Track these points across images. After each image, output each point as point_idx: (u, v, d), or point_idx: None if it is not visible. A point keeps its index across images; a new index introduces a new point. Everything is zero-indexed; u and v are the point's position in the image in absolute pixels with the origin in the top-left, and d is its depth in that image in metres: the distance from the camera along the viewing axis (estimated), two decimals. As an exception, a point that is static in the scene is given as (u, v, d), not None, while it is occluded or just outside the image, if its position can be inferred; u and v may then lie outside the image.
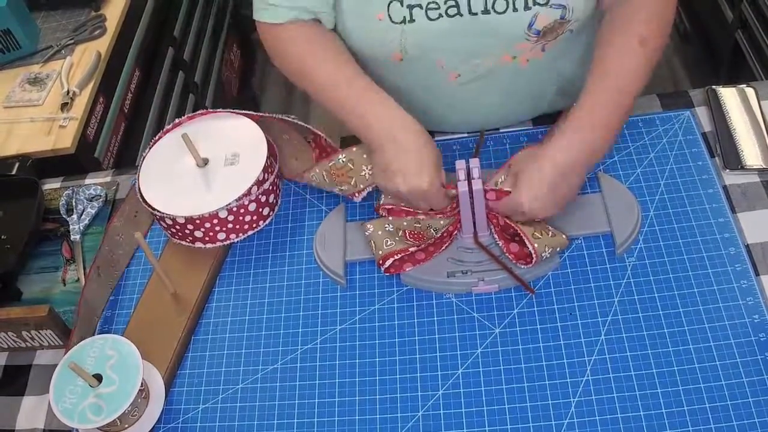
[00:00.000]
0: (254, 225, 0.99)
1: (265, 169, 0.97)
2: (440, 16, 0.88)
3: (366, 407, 0.83)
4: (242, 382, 0.88)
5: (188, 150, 0.98)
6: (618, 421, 0.77)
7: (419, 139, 0.88)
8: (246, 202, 0.96)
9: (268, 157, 0.98)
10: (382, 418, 0.82)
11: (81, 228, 1.07)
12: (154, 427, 0.86)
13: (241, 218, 0.97)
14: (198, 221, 0.95)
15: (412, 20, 0.88)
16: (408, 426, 0.81)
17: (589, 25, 0.94)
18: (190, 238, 0.98)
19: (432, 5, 0.87)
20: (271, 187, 0.99)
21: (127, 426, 0.85)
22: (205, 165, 0.99)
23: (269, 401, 0.86)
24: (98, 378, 0.83)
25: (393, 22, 0.88)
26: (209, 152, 1.00)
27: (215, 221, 0.95)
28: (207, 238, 0.98)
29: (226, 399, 0.87)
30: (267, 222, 1.01)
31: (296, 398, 0.85)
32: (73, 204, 1.10)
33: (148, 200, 0.97)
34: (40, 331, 0.92)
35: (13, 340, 0.94)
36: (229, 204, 0.94)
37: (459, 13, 0.87)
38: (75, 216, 1.08)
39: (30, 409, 0.91)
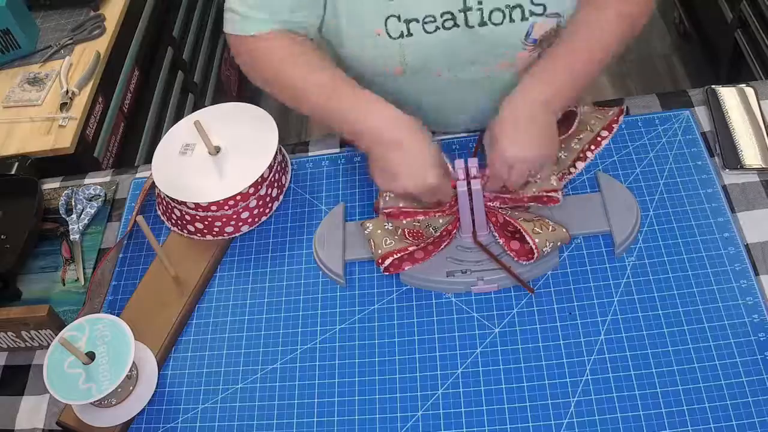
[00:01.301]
0: (267, 210, 1.01)
1: (275, 156, 0.99)
2: (437, 28, 0.88)
3: (365, 407, 0.83)
4: (242, 382, 0.88)
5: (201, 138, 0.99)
6: (617, 420, 0.77)
7: (415, 135, 0.86)
8: (252, 201, 0.97)
9: (278, 144, 1.01)
10: (381, 417, 0.82)
11: (80, 228, 1.07)
12: (153, 418, 0.86)
13: (259, 204, 0.99)
14: (209, 217, 0.96)
15: (409, 34, 0.88)
16: (408, 425, 0.81)
17: None
18: (198, 231, 0.98)
19: (428, 19, 0.87)
20: (276, 180, 1.01)
21: (118, 402, 0.86)
22: (217, 153, 1.00)
23: (269, 401, 0.86)
24: (91, 356, 0.84)
25: (391, 37, 0.88)
26: (222, 140, 1.01)
27: (224, 218, 0.96)
28: (215, 232, 0.98)
29: (225, 399, 0.87)
30: (277, 206, 1.02)
31: (296, 398, 0.85)
32: (73, 204, 1.10)
33: (164, 191, 0.98)
34: (40, 331, 0.92)
35: (12, 339, 0.94)
36: (244, 190, 0.96)
37: (456, 25, 0.87)
38: (74, 216, 1.08)
39: (29, 409, 0.91)
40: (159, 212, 1.05)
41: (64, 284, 1.03)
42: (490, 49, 0.90)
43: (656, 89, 0.98)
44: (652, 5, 0.90)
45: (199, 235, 0.99)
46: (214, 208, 0.96)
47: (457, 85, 0.97)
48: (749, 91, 1.01)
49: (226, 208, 0.96)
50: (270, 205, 1.01)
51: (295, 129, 2.55)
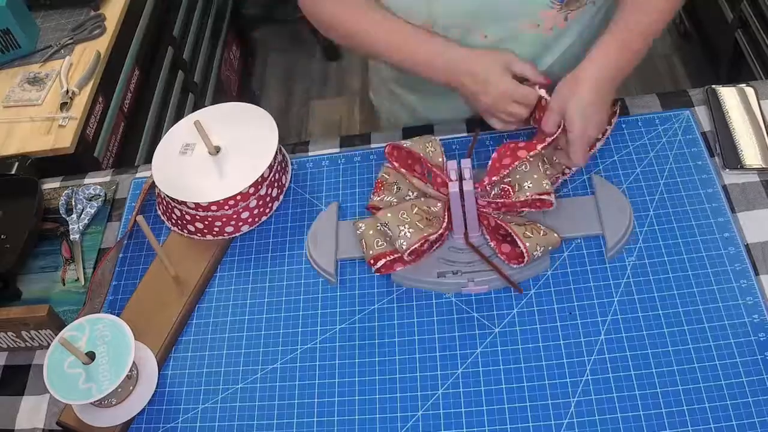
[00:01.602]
0: (267, 210, 1.01)
1: (275, 156, 0.99)
2: None
3: (365, 407, 0.83)
4: (242, 382, 0.88)
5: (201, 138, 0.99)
6: (618, 420, 0.77)
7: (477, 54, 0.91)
8: (261, 189, 0.98)
9: (278, 144, 1.01)
10: (381, 417, 0.82)
11: (80, 228, 1.07)
12: (153, 418, 0.86)
13: (260, 203, 0.99)
14: (209, 217, 0.96)
15: None
16: (408, 426, 0.81)
17: (609, 2, 0.97)
18: (198, 231, 0.98)
19: None
20: (276, 180, 1.01)
21: (118, 402, 0.86)
22: (217, 153, 1.00)
23: (269, 401, 0.86)
24: (91, 356, 0.84)
25: None
26: (222, 140, 1.01)
27: (224, 218, 0.97)
28: (215, 231, 0.99)
29: (225, 399, 0.87)
30: (277, 205, 1.02)
31: (296, 398, 0.85)
32: (73, 204, 1.10)
33: (164, 191, 0.98)
34: (40, 331, 0.92)
35: (12, 339, 0.94)
36: (244, 190, 0.96)
37: None
38: (74, 216, 1.08)
39: (29, 409, 0.91)
40: (159, 212, 1.05)
41: (64, 284, 1.03)
42: (517, 5, 0.92)
43: (656, 89, 0.98)
44: None
45: (199, 235, 0.99)
46: (214, 207, 0.96)
47: (486, 46, 0.97)
48: (749, 91, 1.01)
49: (226, 207, 0.96)
50: (270, 204, 1.01)
51: (295, 129, 2.56)
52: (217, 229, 0.98)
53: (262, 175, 0.97)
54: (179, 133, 1.04)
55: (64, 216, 1.10)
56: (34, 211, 1.08)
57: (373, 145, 1.08)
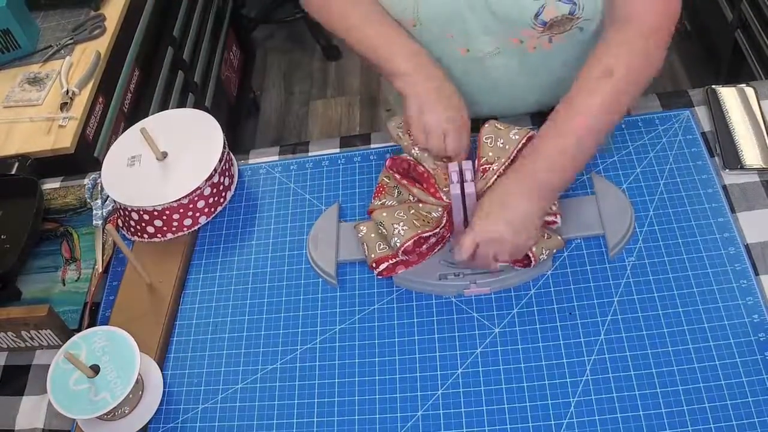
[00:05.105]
0: (222, 200, 1.03)
1: (221, 158, 1.01)
2: None
3: (365, 407, 0.83)
4: (241, 382, 0.88)
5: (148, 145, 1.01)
6: (618, 420, 0.77)
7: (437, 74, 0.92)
8: (206, 189, 1.00)
9: (224, 145, 1.03)
10: (381, 418, 0.82)
11: (104, 214, 1.07)
12: (153, 418, 0.86)
13: (210, 201, 1.01)
14: (167, 210, 0.98)
15: None
16: (408, 426, 0.81)
17: (599, 30, 0.93)
18: (158, 231, 1.00)
19: None
20: (226, 169, 1.04)
21: (125, 414, 0.86)
22: (164, 158, 1.02)
23: (268, 401, 0.86)
24: (95, 369, 0.84)
25: None
26: (168, 145, 1.03)
27: (180, 209, 0.99)
28: (174, 227, 1.01)
29: (225, 399, 0.87)
30: (229, 199, 1.05)
31: (295, 398, 0.85)
32: (99, 189, 1.10)
33: (114, 198, 1.00)
34: (40, 331, 0.92)
35: (12, 339, 0.94)
36: (192, 191, 0.98)
37: None
38: (99, 201, 1.08)
39: (29, 409, 0.91)
40: (121, 226, 1.05)
41: (64, 284, 1.03)
42: (499, 20, 0.91)
43: (656, 89, 0.98)
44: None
45: (160, 235, 1.00)
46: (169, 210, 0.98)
47: (469, 60, 0.98)
48: (749, 91, 1.01)
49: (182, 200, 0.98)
50: (224, 194, 1.03)
51: (295, 129, 2.56)
52: (176, 224, 0.99)
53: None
54: (126, 145, 1.05)
55: (88, 200, 1.10)
56: (34, 211, 1.08)
57: (373, 146, 1.08)
